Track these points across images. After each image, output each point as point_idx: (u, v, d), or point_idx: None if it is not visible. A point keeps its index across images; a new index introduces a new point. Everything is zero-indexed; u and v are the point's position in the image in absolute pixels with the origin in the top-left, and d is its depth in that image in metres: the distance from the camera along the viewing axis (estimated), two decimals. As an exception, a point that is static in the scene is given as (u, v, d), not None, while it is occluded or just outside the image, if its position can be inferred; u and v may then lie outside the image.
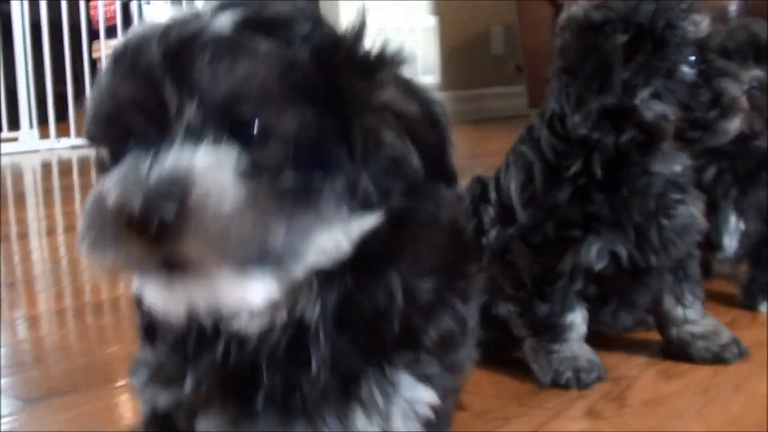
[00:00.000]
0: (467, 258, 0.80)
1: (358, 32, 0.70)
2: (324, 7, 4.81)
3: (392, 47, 0.71)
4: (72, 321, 1.69)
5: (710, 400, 1.18)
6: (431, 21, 5.53)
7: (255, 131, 0.63)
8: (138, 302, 0.73)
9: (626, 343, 1.41)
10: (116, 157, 0.65)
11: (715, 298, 1.56)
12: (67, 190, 3.59)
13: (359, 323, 0.70)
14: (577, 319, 1.27)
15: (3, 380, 1.34)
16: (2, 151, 4.63)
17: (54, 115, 4.90)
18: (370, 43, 0.71)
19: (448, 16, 5.61)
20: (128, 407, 1.24)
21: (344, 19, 0.69)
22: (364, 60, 0.70)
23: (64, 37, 5.03)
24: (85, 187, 3.65)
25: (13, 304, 1.80)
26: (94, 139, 0.68)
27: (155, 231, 0.59)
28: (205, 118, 0.63)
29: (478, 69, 5.81)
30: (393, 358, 0.71)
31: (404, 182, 0.71)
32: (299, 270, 0.65)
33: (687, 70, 1.20)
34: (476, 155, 4.24)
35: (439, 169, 0.72)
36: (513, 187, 1.28)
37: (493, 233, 1.30)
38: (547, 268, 1.24)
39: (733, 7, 4.66)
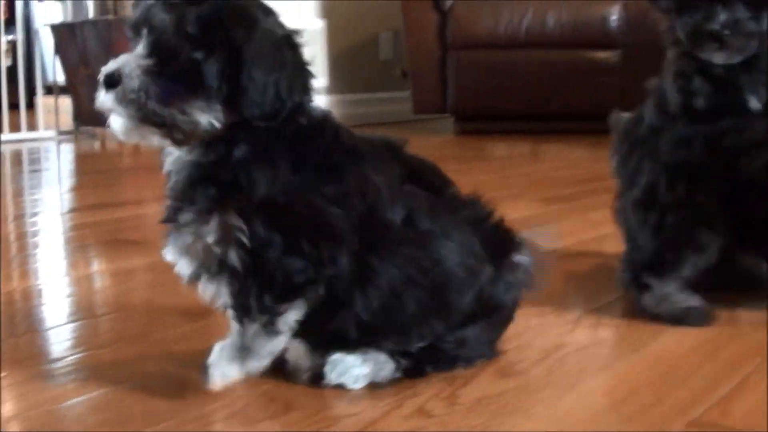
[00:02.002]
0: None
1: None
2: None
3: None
4: None
5: (541, 398, 1.17)
6: (319, 24, 5.51)
7: (168, 51, 1.08)
8: None
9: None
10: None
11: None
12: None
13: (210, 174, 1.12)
14: None
15: None
16: None
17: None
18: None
19: (336, 19, 5.60)
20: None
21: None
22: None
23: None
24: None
25: None
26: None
27: (106, 86, 1.08)
28: (151, 38, 1.09)
29: (366, 73, 5.82)
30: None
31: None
32: (182, 133, 1.10)
33: None
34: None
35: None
36: None
37: None
38: None
39: (614, 16, 4.76)
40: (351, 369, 1.19)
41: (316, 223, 1.12)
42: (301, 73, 1.13)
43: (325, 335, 1.20)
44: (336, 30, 5.62)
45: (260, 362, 1.16)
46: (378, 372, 1.20)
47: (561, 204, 2.73)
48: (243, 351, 1.15)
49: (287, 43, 1.13)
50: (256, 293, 1.13)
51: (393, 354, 1.21)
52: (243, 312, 1.14)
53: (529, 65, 4.85)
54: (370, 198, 1.15)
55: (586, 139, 4.70)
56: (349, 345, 1.20)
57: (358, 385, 1.19)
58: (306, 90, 1.14)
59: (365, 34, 5.85)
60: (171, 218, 1.15)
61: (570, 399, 1.17)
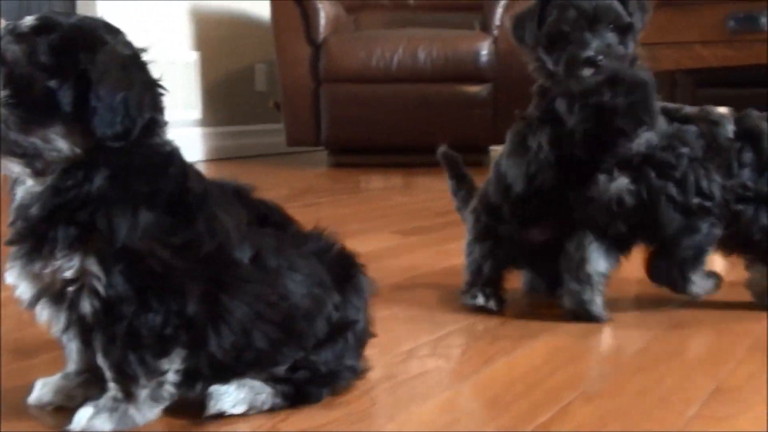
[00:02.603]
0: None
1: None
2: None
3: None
4: None
5: (361, 429, 1.16)
6: (193, 56, 5.45)
7: (23, 82, 1.08)
8: None
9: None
10: None
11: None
12: None
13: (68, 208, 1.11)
14: None
15: None
16: None
17: None
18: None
19: (210, 51, 5.54)
20: None
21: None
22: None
23: None
24: None
25: None
26: None
27: None
28: (5, 70, 1.08)
29: (241, 105, 5.77)
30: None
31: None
32: (43, 162, 1.10)
33: None
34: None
35: None
36: None
37: None
38: None
39: (484, 51, 4.84)
40: (226, 396, 1.20)
41: (164, 279, 1.13)
42: (149, 90, 1.14)
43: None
44: (210, 61, 5.55)
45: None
46: (255, 397, 1.21)
47: (420, 235, 2.74)
48: (124, 418, 1.16)
49: (134, 61, 1.14)
50: (136, 356, 1.13)
51: (268, 380, 1.22)
52: (129, 380, 1.14)
53: (402, 99, 4.89)
54: (219, 239, 1.16)
55: (459, 172, 4.76)
56: (225, 376, 1.21)
57: (237, 410, 1.20)
58: (156, 107, 1.15)
59: (240, 66, 5.80)
60: (18, 241, 1.14)
61: (390, 429, 1.16)
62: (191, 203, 1.16)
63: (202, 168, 5.00)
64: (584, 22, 1.61)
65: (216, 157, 5.49)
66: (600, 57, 1.60)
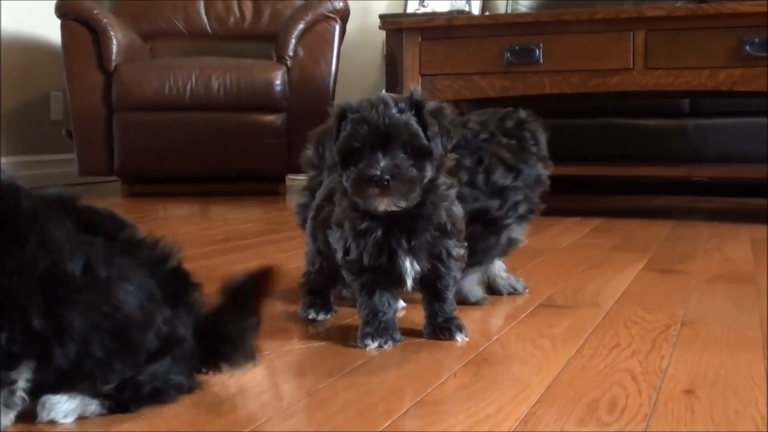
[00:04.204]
0: None
1: None
2: None
3: None
4: None
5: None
6: (-18, 83, 5.28)
7: None
8: None
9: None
10: None
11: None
12: None
13: None
14: None
15: None
16: None
17: None
18: None
19: (2, 78, 5.39)
20: None
21: None
22: None
23: None
24: None
25: None
26: None
27: None
28: None
29: (37, 134, 5.63)
30: None
31: None
32: None
33: None
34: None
35: None
36: None
37: None
38: None
39: (277, 81, 4.87)
40: (59, 405, 1.25)
41: (4, 300, 1.16)
42: None
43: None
44: (2, 89, 5.40)
45: None
46: (86, 407, 1.26)
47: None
48: None
49: None
50: None
51: (95, 395, 1.26)
52: None
53: (196, 127, 4.89)
54: (52, 255, 1.19)
55: (257, 200, 4.79)
56: (55, 388, 1.25)
57: (69, 419, 1.25)
58: None
59: (35, 94, 5.65)
60: None
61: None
62: (23, 223, 1.19)
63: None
64: (376, 140, 1.57)
65: (7, 188, 5.31)
66: (387, 177, 1.56)
